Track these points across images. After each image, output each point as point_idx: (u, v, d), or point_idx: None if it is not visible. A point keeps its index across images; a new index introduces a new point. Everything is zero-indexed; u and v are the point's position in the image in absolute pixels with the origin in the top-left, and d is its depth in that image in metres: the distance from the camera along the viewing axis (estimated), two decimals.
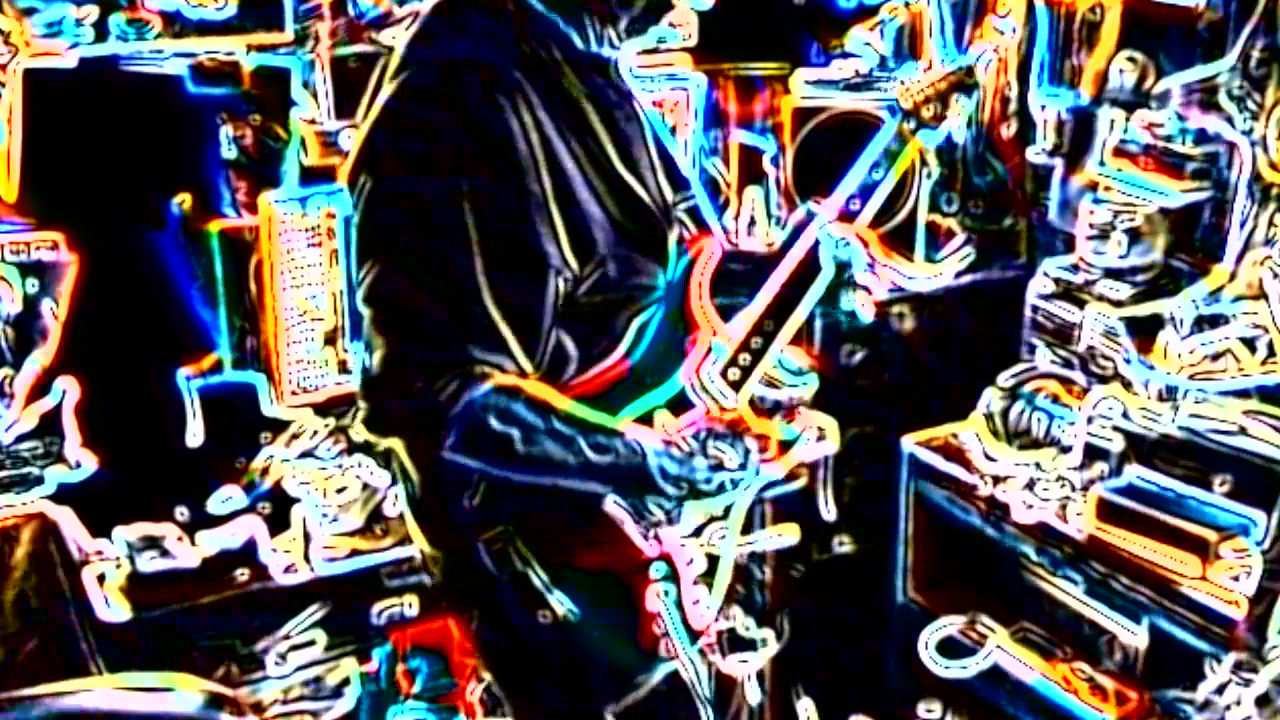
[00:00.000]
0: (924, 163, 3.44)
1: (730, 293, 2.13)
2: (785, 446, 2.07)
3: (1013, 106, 3.50)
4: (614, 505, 1.99)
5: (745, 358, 2.06)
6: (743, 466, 1.98)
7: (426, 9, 2.00)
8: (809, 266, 2.11)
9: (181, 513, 2.76)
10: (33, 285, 2.63)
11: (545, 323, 1.92)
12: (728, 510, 2.11)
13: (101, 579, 2.65)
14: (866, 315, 2.21)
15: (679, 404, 2.04)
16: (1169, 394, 2.88)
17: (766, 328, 2.08)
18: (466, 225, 1.84)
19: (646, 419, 2.01)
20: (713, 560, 2.12)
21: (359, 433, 2.15)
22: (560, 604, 1.99)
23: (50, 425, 2.67)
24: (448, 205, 1.84)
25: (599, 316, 1.98)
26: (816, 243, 2.11)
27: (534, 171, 1.87)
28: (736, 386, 2.05)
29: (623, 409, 2.00)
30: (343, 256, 2.83)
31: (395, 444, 2.06)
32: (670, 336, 2.06)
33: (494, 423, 1.85)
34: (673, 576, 2.05)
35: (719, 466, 1.97)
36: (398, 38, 2.17)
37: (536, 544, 2.00)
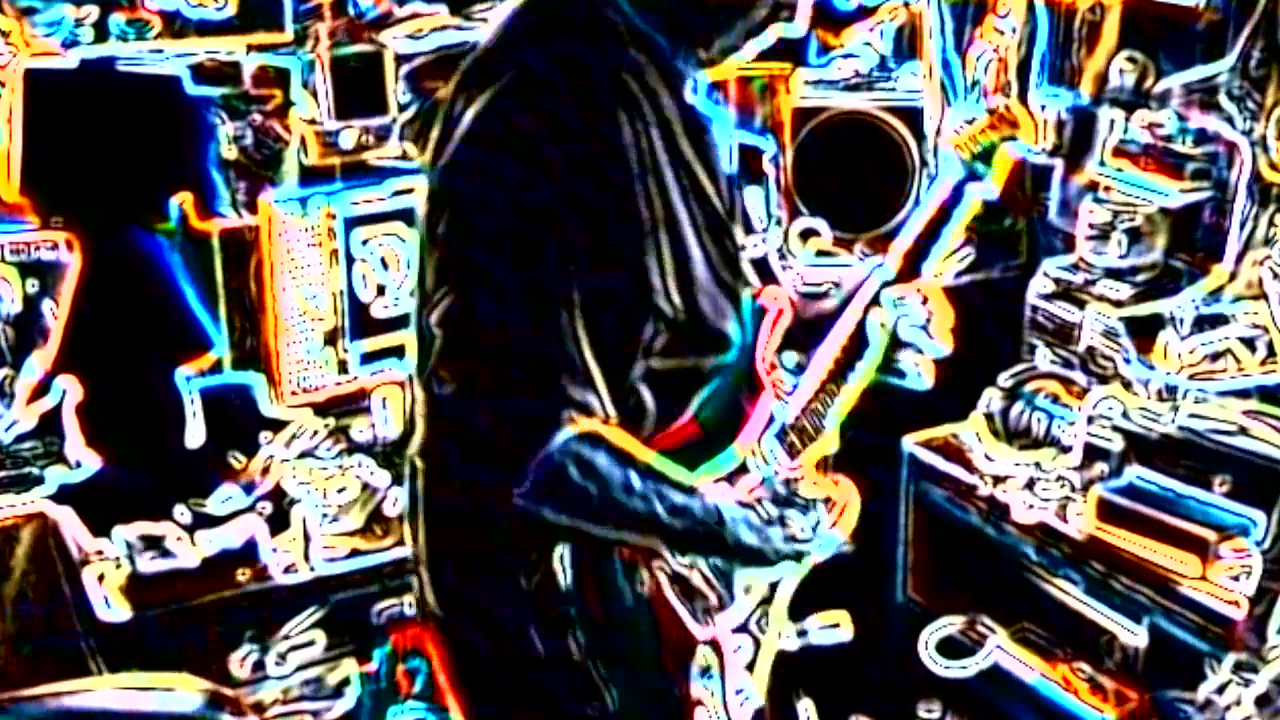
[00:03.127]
0: (924, 163, 3.44)
1: (787, 349, 2.01)
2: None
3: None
4: (671, 593, 1.86)
5: (806, 424, 1.95)
6: (810, 539, 1.89)
7: (509, 9, 1.85)
8: (863, 330, 1.99)
9: (181, 513, 2.76)
10: (33, 285, 2.63)
11: (638, 368, 1.76)
12: (773, 590, 1.98)
13: (101, 579, 2.65)
14: (925, 380, 2.09)
15: (740, 473, 1.92)
16: (1169, 394, 2.88)
17: (829, 390, 1.97)
18: (571, 251, 1.67)
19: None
20: (757, 646, 1.99)
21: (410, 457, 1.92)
22: (611, 699, 1.85)
23: (50, 425, 2.67)
24: (549, 226, 1.67)
25: (682, 370, 1.83)
26: (870, 303, 1.99)
27: (644, 193, 1.71)
28: (795, 454, 1.94)
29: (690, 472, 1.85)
30: (343, 257, 2.84)
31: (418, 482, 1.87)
32: (738, 399, 1.93)
33: (574, 473, 1.69)
34: (719, 664, 1.93)
35: (792, 539, 1.87)
36: (481, 29, 2.04)
37: (592, 632, 1.84)
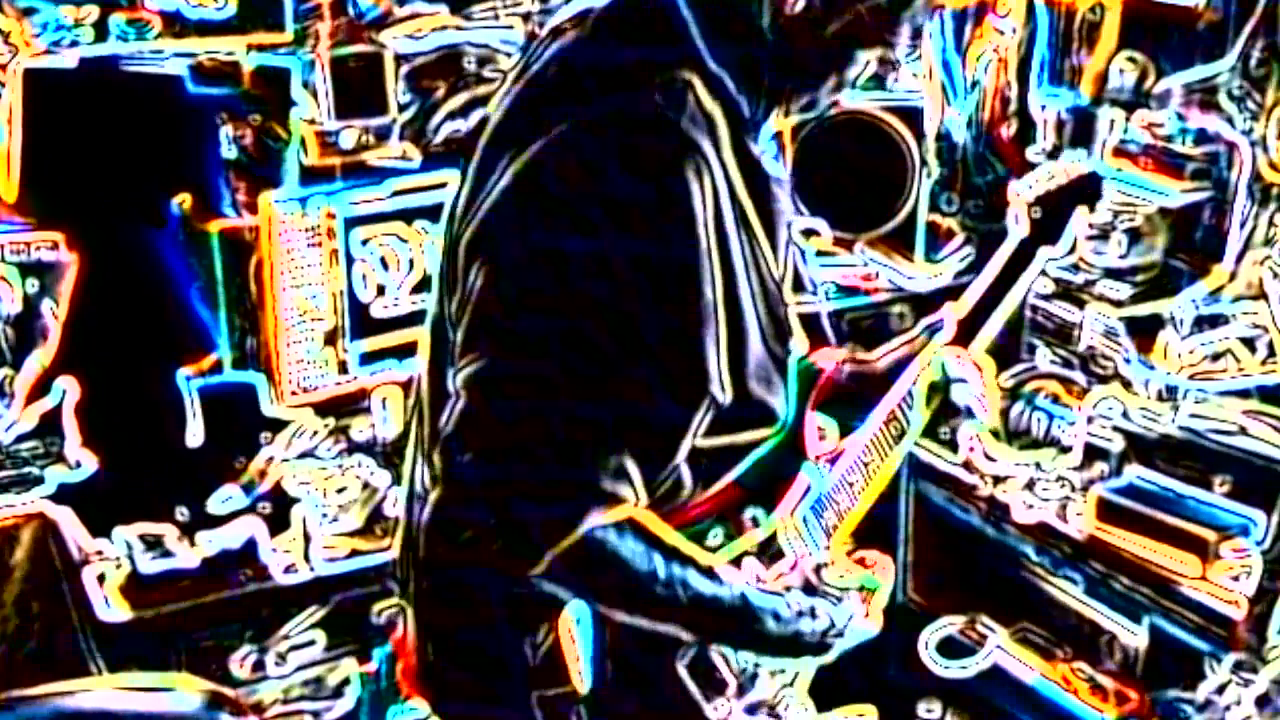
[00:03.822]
0: (924, 163, 3.44)
1: (835, 413, 1.89)
2: (868, 594, 1.87)
3: (1013, 106, 3.50)
4: (686, 674, 1.76)
5: (844, 499, 1.85)
6: (842, 633, 1.79)
7: (564, 40, 1.64)
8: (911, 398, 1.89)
9: (181, 513, 2.76)
10: (33, 285, 2.63)
11: (681, 455, 1.62)
12: (795, 678, 1.89)
13: (101, 579, 2.65)
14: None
15: (769, 545, 1.81)
16: (1169, 394, 2.88)
17: (872, 461, 1.87)
18: (622, 329, 1.50)
19: (735, 563, 1.76)
20: None
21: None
22: None
23: (50, 425, 2.67)
24: (601, 304, 1.50)
25: (726, 449, 1.70)
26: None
27: (709, 268, 1.53)
28: (829, 533, 1.84)
29: (723, 545, 1.76)
30: (343, 257, 2.83)
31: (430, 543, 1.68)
32: (781, 465, 1.80)
33: (595, 561, 1.57)
34: None
35: (823, 631, 1.76)
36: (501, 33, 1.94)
37: (601, 705, 1.72)
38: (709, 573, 1.66)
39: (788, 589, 1.76)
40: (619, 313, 1.51)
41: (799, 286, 1.86)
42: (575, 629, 1.69)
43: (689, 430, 1.60)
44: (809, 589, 1.78)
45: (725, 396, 1.60)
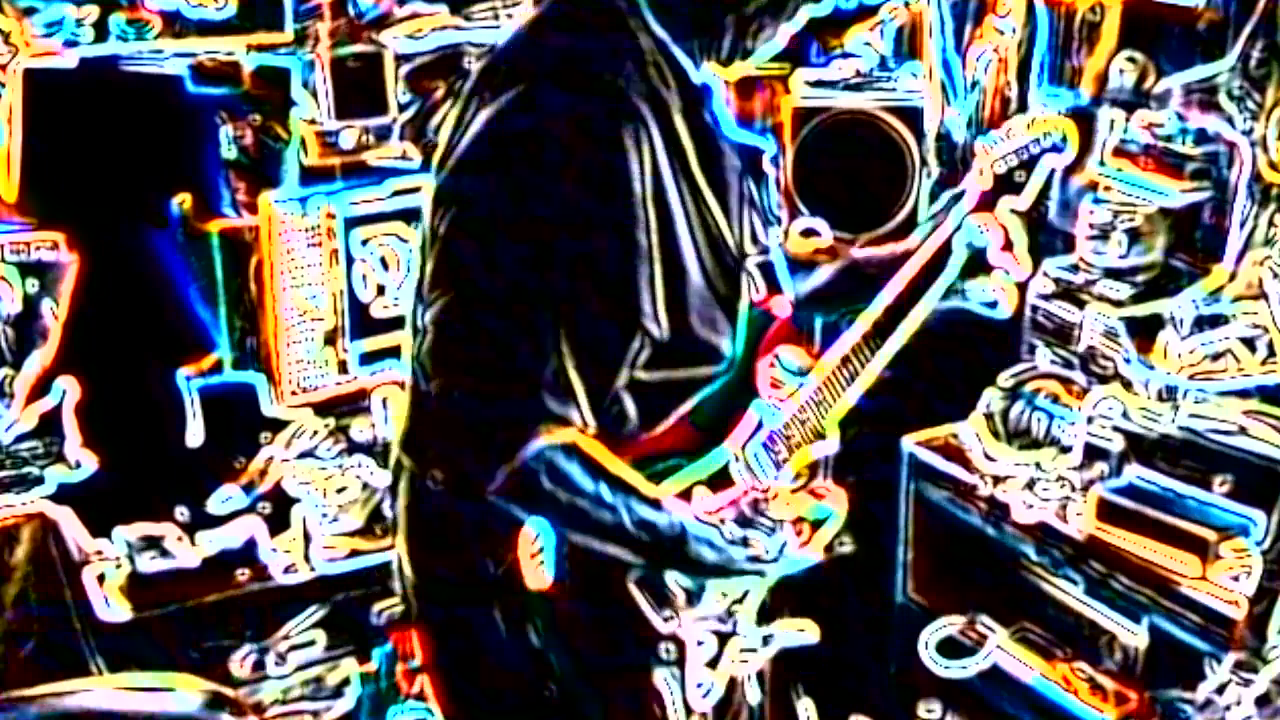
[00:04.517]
0: (924, 162, 3.44)
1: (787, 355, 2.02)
2: (816, 525, 1.99)
3: (1013, 106, 3.50)
4: (635, 588, 1.90)
5: (795, 435, 1.98)
6: (775, 560, 1.92)
7: (527, 15, 1.87)
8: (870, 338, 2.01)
9: (181, 513, 2.76)
10: (33, 285, 2.63)
11: (619, 382, 1.81)
12: (744, 595, 2.01)
13: (101, 579, 2.65)
14: (1006, 305, 2.07)
15: (721, 476, 1.95)
16: (1169, 394, 2.88)
17: (823, 400, 1.99)
18: (564, 267, 1.71)
19: (686, 494, 1.92)
20: (722, 643, 2.02)
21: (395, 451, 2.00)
22: (567, 679, 1.91)
23: (50, 425, 2.67)
24: (546, 239, 1.71)
25: (668, 383, 1.87)
26: (889, 312, 2.01)
27: (644, 217, 1.74)
28: (780, 464, 1.97)
29: (669, 476, 1.91)
30: (343, 257, 2.84)
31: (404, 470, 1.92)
32: (731, 401, 1.95)
33: (545, 480, 1.74)
34: (679, 658, 1.95)
35: (755, 559, 1.91)
36: (504, 28, 2.10)
37: (556, 619, 1.90)
38: (649, 500, 1.82)
39: (723, 521, 1.90)
40: (564, 253, 1.71)
41: (755, 239, 1.99)
42: (538, 538, 1.83)
43: (625, 359, 1.79)
44: (743, 521, 1.92)
45: (660, 331, 1.79)
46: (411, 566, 1.98)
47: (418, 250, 1.91)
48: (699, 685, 1.99)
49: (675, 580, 1.91)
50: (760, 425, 1.96)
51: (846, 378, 2.02)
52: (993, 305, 2.09)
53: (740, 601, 2.00)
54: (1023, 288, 2.14)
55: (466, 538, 1.88)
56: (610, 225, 1.73)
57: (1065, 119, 2.04)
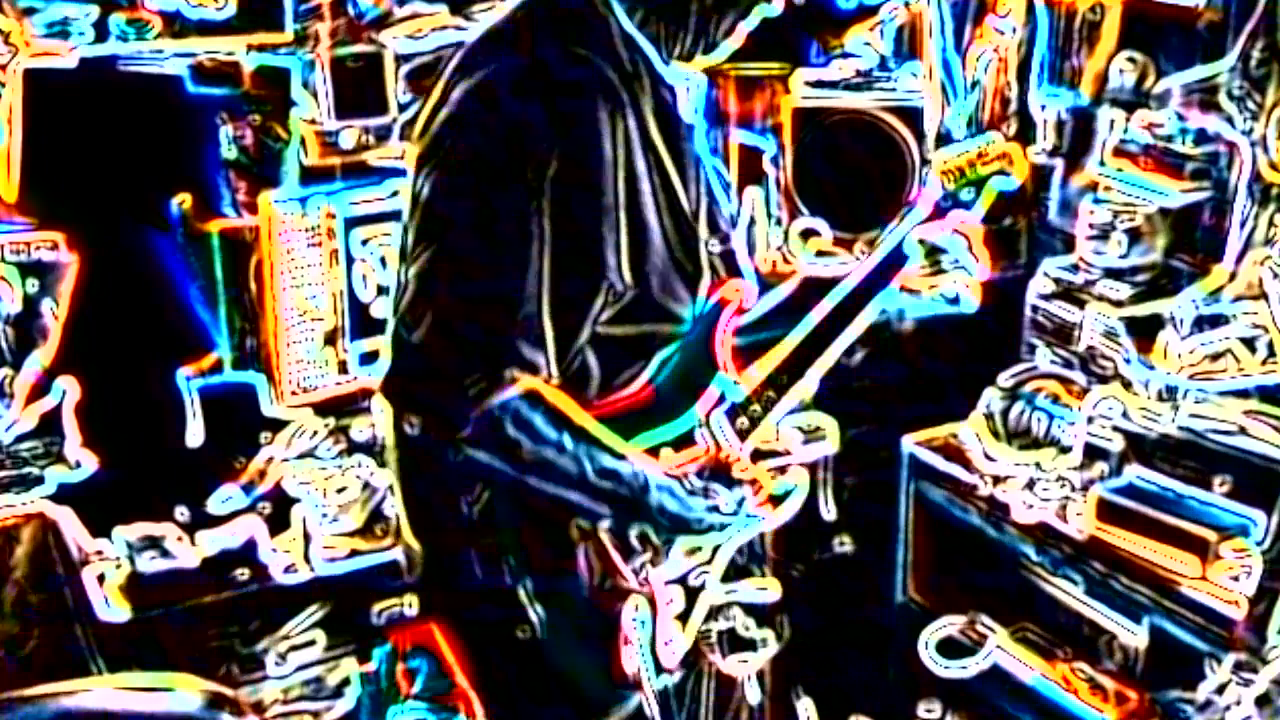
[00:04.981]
0: (924, 162, 3.44)
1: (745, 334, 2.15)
2: (777, 500, 2.10)
3: (1013, 106, 3.50)
4: (607, 535, 2.00)
5: (756, 409, 2.09)
6: (735, 513, 2.02)
7: (507, 7, 2.01)
8: (835, 321, 2.13)
9: (182, 513, 2.76)
10: (33, 285, 2.63)
11: (584, 334, 1.93)
12: (714, 554, 2.12)
13: (101, 579, 2.65)
14: (971, 300, 2.21)
15: (685, 441, 2.05)
16: (1169, 394, 2.88)
17: (781, 381, 2.10)
18: (540, 221, 1.84)
19: (652, 452, 2.03)
20: (690, 600, 2.12)
21: (380, 407, 2.16)
22: (539, 622, 2.01)
23: (50, 425, 2.67)
24: (524, 198, 1.84)
25: (629, 340, 2.00)
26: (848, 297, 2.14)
27: (613, 177, 1.89)
28: (743, 435, 2.08)
29: (634, 437, 2.01)
30: (343, 255, 2.84)
31: (386, 413, 2.05)
32: (692, 374, 2.07)
33: (510, 428, 1.87)
34: (650, 613, 2.05)
35: (715, 509, 2.00)
36: (476, 23, 2.18)
37: (529, 560, 2.01)
38: (612, 450, 1.94)
39: (685, 475, 2.01)
40: (538, 208, 1.84)
41: (714, 229, 2.11)
42: None
43: (590, 311, 1.92)
44: (703, 476, 2.02)
45: (622, 285, 1.93)
46: (405, 509, 2.12)
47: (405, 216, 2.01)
48: (667, 642, 2.08)
49: (643, 532, 2.00)
50: (723, 398, 2.07)
51: (804, 360, 2.13)
52: (955, 301, 2.22)
53: (709, 561, 2.11)
54: (988, 286, 2.25)
55: (443, 479, 1.99)
56: (581, 183, 1.86)
57: (1015, 145, 2.19)
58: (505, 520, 2.00)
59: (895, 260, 2.16)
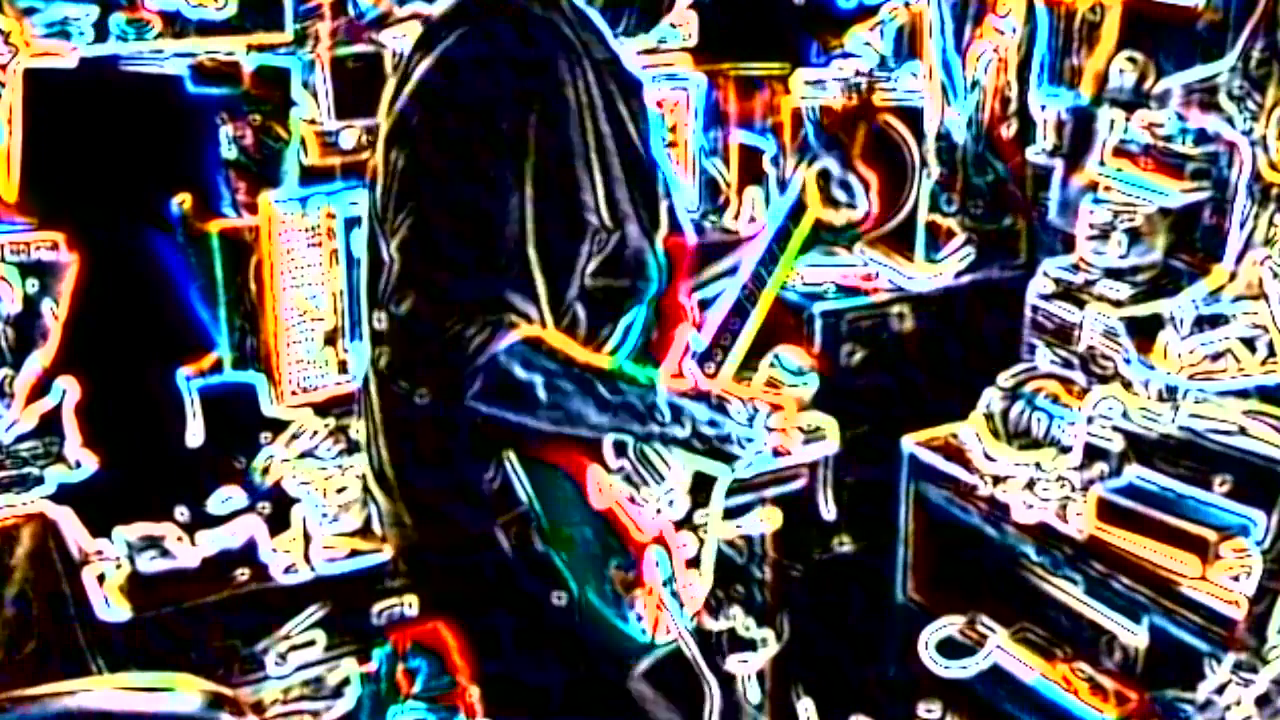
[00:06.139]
0: (924, 163, 3.44)
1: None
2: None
3: (1013, 106, 3.50)
4: (621, 483, 2.04)
5: (719, 355, 2.17)
6: (749, 423, 2.05)
7: None
8: (778, 237, 2.25)
9: (182, 513, 2.76)
10: (33, 285, 2.63)
11: (575, 280, 1.97)
12: (708, 495, 2.17)
13: (101, 579, 2.65)
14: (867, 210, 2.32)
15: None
16: (1169, 394, 2.88)
17: (745, 307, 2.19)
18: (519, 170, 1.87)
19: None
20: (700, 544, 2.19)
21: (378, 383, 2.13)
22: (574, 587, 2.04)
23: (50, 425, 2.66)
24: (501, 149, 1.88)
25: (611, 290, 2.03)
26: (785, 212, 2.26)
27: (579, 122, 1.94)
28: (711, 378, 2.14)
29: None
30: (343, 255, 2.84)
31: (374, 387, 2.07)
32: (648, 337, 2.14)
33: (518, 369, 1.88)
34: (667, 560, 2.10)
35: (738, 424, 2.03)
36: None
37: (551, 525, 2.04)
38: (615, 374, 1.99)
39: (704, 392, 2.07)
40: (515, 157, 1.88)
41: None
42: None
43: (579, 256, 1.96)
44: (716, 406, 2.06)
45: (602, 223, 1.97)
46: (401, 493, 2.11)
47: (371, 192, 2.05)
48: (687, 584, 2.13)
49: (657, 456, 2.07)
50: (690, 346, 2.16)
51: (747, 307, 2.20)
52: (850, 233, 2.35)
53: (707, 503, 2.17)
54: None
55: (459, 450, 2.01)
56: (551, 129, 1.91)
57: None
58: (522, 491, 2.02)
59: (798, 206, 2.28)
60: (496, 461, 2.02)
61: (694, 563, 2.16)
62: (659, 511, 2.10)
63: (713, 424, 2.03)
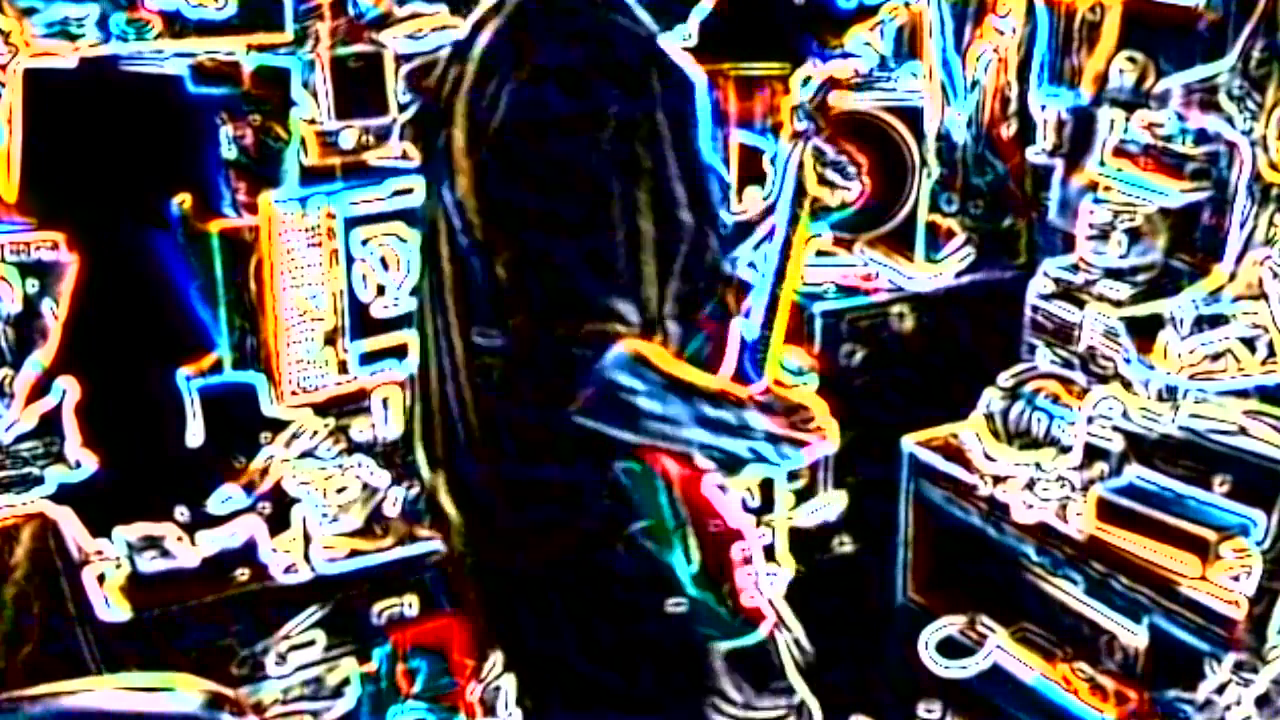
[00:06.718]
0: (924, 163, 3.44)
1: None
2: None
3: (1013, 106, 3.50)
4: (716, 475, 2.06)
5: (762, 344, 2.19)
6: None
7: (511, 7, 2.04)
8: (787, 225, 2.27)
9: (182, 513, 2.76)
10: (33, 285, 2.63)
11: (673, 284, 1.98)
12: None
13: (101, 579, 2.65)
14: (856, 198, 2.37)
15: None
16: (1169, 394, 2.88)
17: (771, 317, 2.20)
18: (614, 179, 1.88)
19: None
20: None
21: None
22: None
23: (50, 425, 2.67)
24: (596, 163, 1.88)
25: (693, 294, 2.04)
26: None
27: (667, 136, 1.94)
28: (762, 368, 2.17)
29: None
30: (343, 257, 2.84)
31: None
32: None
33: (622, 379, 1.88)
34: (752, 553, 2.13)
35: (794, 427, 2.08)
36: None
37: (660, 530, 2.04)
38: (713, 395, 1.99)
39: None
40: (610, 166, 1.88)
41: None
42: None
43: (677, 254, 1.97)
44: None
45: (691, 218, 1.98)
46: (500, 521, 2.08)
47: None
48: (769, 574, 2.23)
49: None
50: (743, 340, 2.18)
51: (781, 291, 2.24)
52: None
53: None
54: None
55: (570, 461, 2.00)
56: (640, 127, 1.91)
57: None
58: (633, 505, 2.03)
59: (799, 189, 2.31)
60: (608, 471, 2.01)
61: (770, 552, 2.22)
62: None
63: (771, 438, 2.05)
